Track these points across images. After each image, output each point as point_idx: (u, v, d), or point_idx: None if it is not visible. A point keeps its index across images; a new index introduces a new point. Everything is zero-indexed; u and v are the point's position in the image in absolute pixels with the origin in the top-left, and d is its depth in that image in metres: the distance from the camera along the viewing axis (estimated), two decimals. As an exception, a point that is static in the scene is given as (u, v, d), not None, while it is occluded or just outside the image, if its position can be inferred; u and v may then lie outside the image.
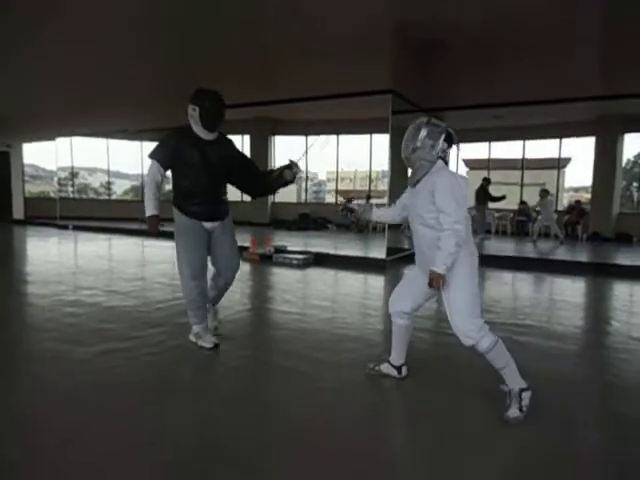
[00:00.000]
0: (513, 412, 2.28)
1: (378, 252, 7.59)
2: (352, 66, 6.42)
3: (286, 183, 3.33)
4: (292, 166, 3.29)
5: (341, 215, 2.93)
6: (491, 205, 11.56)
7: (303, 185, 15.72)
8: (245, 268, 6.88)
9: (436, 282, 2.28)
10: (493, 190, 11.16)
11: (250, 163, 3.45)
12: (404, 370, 2.83)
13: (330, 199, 15.94)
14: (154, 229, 3.14)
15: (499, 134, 13.13)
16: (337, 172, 14.95)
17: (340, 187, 15.68)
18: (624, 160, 12.67)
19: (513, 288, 6.37)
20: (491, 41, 5.48)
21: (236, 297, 4.83)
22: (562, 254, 8.99)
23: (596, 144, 11.99)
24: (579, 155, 12.99)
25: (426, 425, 2.33)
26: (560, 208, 13.19)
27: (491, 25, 4.98)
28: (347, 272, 6.79)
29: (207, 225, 3.23)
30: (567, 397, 2.66)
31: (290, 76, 7.01)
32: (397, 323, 2.76)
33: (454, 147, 2.52)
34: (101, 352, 3.17)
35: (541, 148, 13.44)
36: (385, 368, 2.85)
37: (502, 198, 11.00)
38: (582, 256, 9.02)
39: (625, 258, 8.43)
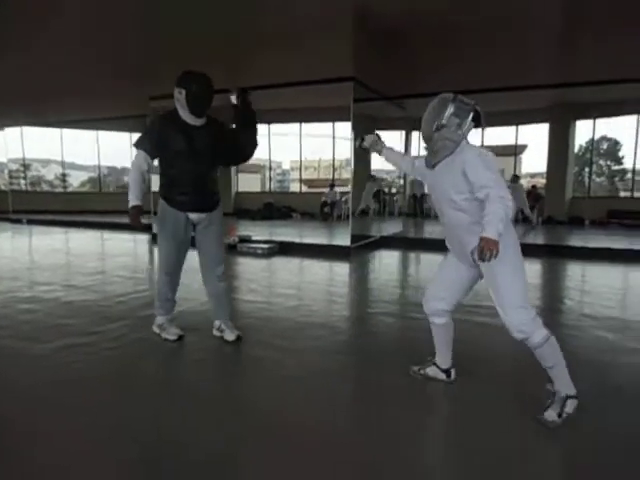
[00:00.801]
0: (551, 415, 2.11)
1: (343, 240, 7.65)
2: (313, 53, 6.38)
3: (245, 111, 3.10)
4: (239, 94, 3.08)
5: (356, 143, 2.79)
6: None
7: (267, 174, 15.60)
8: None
9: (489, 248, 1.92)
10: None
11: (236, 136, 3.16)
12: (453, 373, 2.59)
13: (294, 188, 15.88)
14: (136, 221, 2.93)
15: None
16: (301, 161, 14.91)
17: (304, 176, 15.65)
18: (576, 146, 13.19)
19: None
20: (451, 29, 5.56)
21: (199, 287, 4.76)
22: (520, 238, 9.29)
23: (550, 131, 12.43)
24: (535, 142, 13.43)
25: (394, 411, 2.38)
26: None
27: (451, 13, 5.05)
28: (312, 260, 6.82)
29: (193, 216, 3.08)
30: (521, 374, 2.77)
31: (250, 64, 6.91)
32: (436, 323, 2.52)
33: (479, 129, 2.30)
34: (60, 348, 3.08)
35: (499, 135, 13.82)
36: (431, 371, 2.63)
37: None
38: (538, 239, 9.37)
39: (577, 240, 8.81)
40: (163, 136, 2.93)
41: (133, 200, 2.92)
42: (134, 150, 3.00)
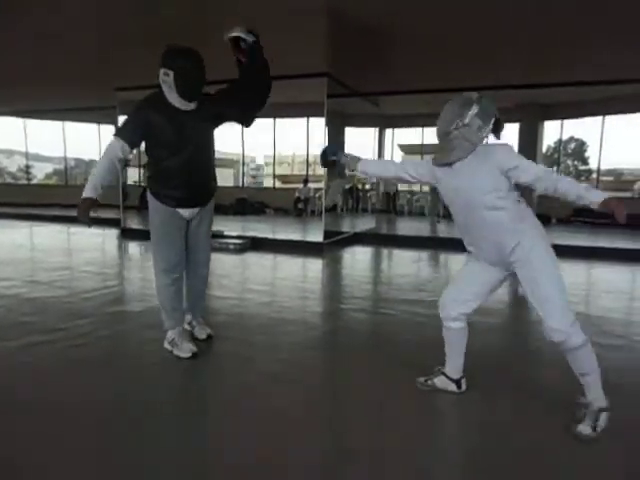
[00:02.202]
0: (585, 429, 2.00)
1: (315, 235, 7.64)
2: (287, 48, 6.32)
3: (252, 47, 2.79)
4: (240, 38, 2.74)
5: (330, 168, 2.46)
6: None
7: (241, 169, 15.45)
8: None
9: (621, 206, 1.80)
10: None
11: (231, 88, 2.82)
12: (464, 384, 2.43)
13: (268, 183, 15.79)
14: (83, 215, 2.51)
15: (432, 120, 13.51)
16: (274, 156, 14.82)
17: (278, 171, 15.57)
18: (545, 146, 13.54)
19: (445, 268, 6.66)
20: (424, 28, 5.61)
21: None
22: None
23: (520, 131, 12.72)
24: (505, 141, 13.67)
25: (372, 406, 2.40)
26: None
27: (424, 13, 5.09)
28: (285, 256, 6.79)
29: (185, 213, 2.78)
30: (494, 367, 2.83)
31: (220, 57, 6.77)
32: (452, 328, 2.36)
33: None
34: (23, 346, 2.97)
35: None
36: (440, 382, 2.45)
37: None
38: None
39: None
40: (150, 125, 2.57)
41: (88, 191, 2.52)
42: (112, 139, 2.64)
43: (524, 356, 3.07)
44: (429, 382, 2.48)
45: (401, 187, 14.51)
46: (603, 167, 12.52)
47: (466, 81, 8.09)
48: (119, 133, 2.61)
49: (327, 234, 7.50)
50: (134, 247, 7.69)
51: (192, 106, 2.66)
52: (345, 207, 11.97)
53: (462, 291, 2.33)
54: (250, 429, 2.09)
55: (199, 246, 2.95)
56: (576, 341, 1.99)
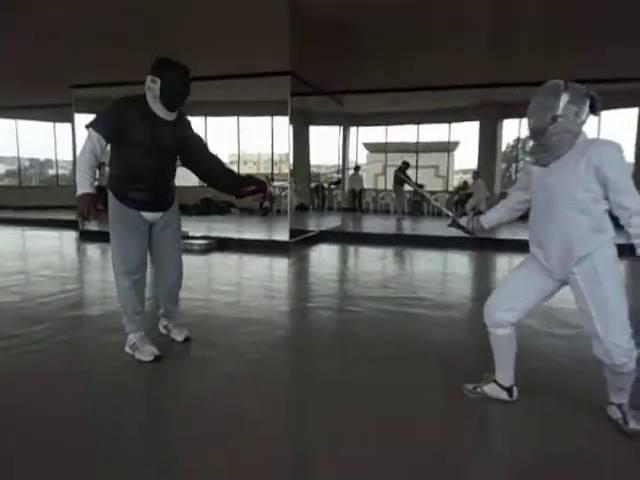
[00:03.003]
0: (636, 424, 2.02)
1: (281, 234, 7.62)
2: (250, 46, 6.27)
3: (241, 196, 2.99)
4: (264, 196, 3.01)
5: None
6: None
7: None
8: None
9: None
10: (390, 173, 11.69)
11: (204, 152, 2.96)
12: (515, 391, 2.28)
13: (233, 183, 15.59)
14: (88, 210, 2.43)
15: (395, 118, 13.74)
16: (239, 155, 14.66)
17: (243, 170, 15.41)
18: (504, 144, 13.94)
19: (409, 264, 6.76)
20: (388, 26, 5.66)
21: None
22: (456, 231, 9.70)
23: (480, 129, 13.06)
24: (467, 139, 14.00)
25: (338, 404, 2.40)
26: (450, 189, 14.23)
27: (391, 11, 5.13)
28: (251, 256, 6.73)
29: (147, 216, 2.77)
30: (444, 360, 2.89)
31: (180, 54, 6.62)
32: (498, 334, 2.21)
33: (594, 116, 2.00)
34: (-28, 355, 2.83)
35: (432, 132, 14.33)
36: (491, 390, 2.31)
37: (420, 185, 11.49)
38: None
39: (504, 233, 9.30)
40: (125, 121, 2.57)
41: (84, 186, 2.46)
42: (86, 131, 2.58)
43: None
44: (478, 389, 2.35)
45: (367, 185, 14.65)
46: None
47: (431, 80, 8.28)
48: (94, 125, 2.57)
49: (293, 233, 7.48)
50: (93, 249, 7.45)
51: (171, 117, 2.73)
52: (311, 206, 11.98)
53: (507, 298, 2.19)
54: (215, 431, 2.06)
55: (165, 249, 2.92)
56: (632, 365, 1.95)
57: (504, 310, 2.17)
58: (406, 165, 11.35)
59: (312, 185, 12.59)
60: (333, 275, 5.77)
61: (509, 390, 2.28)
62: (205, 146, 2.99)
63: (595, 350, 1.99)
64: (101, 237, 7.85)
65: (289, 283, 5.38)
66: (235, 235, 8.20)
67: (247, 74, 7.39)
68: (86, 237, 8.26)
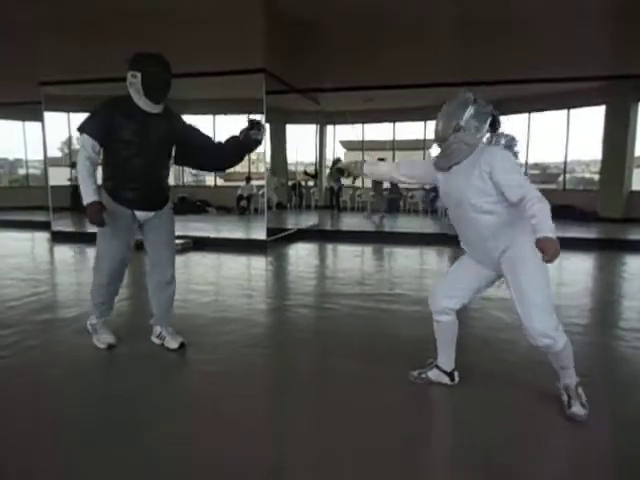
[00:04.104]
0: (579, 410, 2.08)
1: (258, 233, 7.59)
2: (224, 43, 6.21)
3: (255, 143, 2.97)
4: (254, 125, 2.93)
5: (332, 180, 2.72)
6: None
7: (180, 167, 15.02)
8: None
9: (552, 249, 1.74)
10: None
11: (201, 136, 2.98)
12: (456, 376, 2.45)
13: (209, 181, 15.46)
14: (97, 218, 2.56)
15: (372, 116, 13.81)
16: (215, 154, 14.51)
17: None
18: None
19: (386, 261, 6.82)
20: (364, 25, 5.69)
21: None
22: (430, 228, 9.84)
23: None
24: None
25: (314, 400, 2.41)
26: (427, 186, 14.39)
27: (363, 9, 5.16)
28: (228, 255, 6.69)
29: (140, 215, 2.78)
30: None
31: (152, 51, 6.52)
32: (442, 321, 2.37)
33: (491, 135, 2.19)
34: (-62, 361, 2.75)
35: (409, 130, 14.48)
36: (434, 375, 2.47)
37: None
38: (444, 228, 9.95)
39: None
40: (114, 122, 2.60)
41: (90, 195, 2.56)
42: (78, 135, 2.63)
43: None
44: (423, 375, 2.48)
45: (344, 182, 14.70)
46: (531, 161, 13.28)
47: (403, 79, 8.36)
48: (85, 128, 2.61)
49: (270, 231, 7.46)
50: (66, 251, 7.29)
51: (158, 109, 2.72)
52: (289, 204, 11.97)
53: (450, 286, 2.35)
54: (193, 430, 2.06)
55: (159, 249, 2.90)
56: (561, 344, 2.05)
57: (447, 298, 2.33)
58: (338, 160, 11.50)
59: (290, 183, 12.59)
60: (310, 273, 5.78)
61: (450, 374, 2.44)
62: (199, 131, 2.99)
63: (525, 335, 2.11)
64: (75, 238, 7.72)
65: (267, 281, 5.37)
66: (212, 234, 8.14)
67: (221, 72, 7.32)
68: (58, 238, 8.06)
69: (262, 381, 2.68)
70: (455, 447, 2.02)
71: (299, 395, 2.42)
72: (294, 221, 10.65)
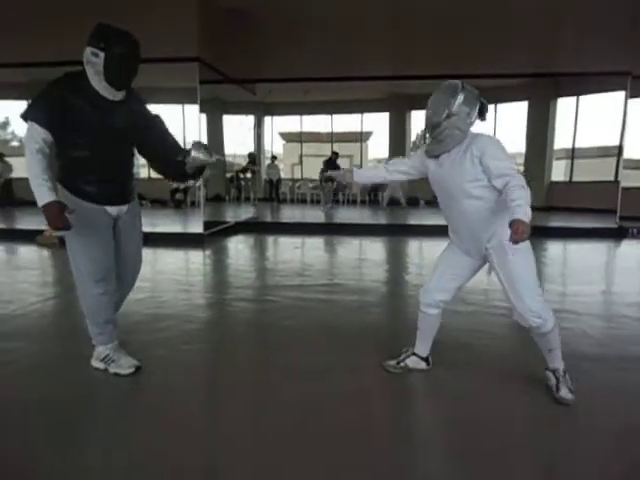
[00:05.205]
0: (567, 394, 2.14)
1: (195, 227, 7.41)
2: (157, 30, 5.94)
3: (193, 176, 2.60)
4: (198, 147, 2.45)
5: (321, 187, 2.51)
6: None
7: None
8: (40, 254, 6.05)
9: (523, 230, 1.82)
10: (307, 163, 11.81)
11: (161, 131, 2.57)
12: (430, 360, 2.54)
13: (143, 174, 14.85)
14: (58, 221, 2.13)
15: (309, 108, 13.84)
16: (149, 145, 13.95)
17: (153, 161, 14.69)
18: (413, 134, 14.59)
19: (326, 252, 6.89)
20: (302, 16, 5.68)
21: (25, 287, 4.24)
22: (368, 219, 10.05)
23: (389, 120, 13.57)
24: (380, 129, 14.47)
25: (250, 394, 2.40)
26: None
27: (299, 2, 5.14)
28: (163, 249, 6.46)
29: (112, 210, 2.42)
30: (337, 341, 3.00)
31: (75, 35, 6.12)
32: (430, 314, 2.42)
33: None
34: None
35: (345, 122, 14.65)
36: (412, 362, 2.53)
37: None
38: (382, 219, 10.20)
39: (414, 219, 9.81)
40: (66, 105, 2.18)
41: (45, 195, 2.12)
42: (23, 123, 2.18)
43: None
44: (401, 364, 2.53)
45: (283, 175, 14.64)
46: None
47: (341, 71, 8.42)
48: (31, 115, 2.18)
49: (208, 225, 7.31)
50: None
51: (119, 96, 2.33)
52: (227, 196, 11.75)
53: (442, 279, 2.37)
54: (130, 427, 1.99)
55: (129, 248, 2.60)
56: (550, 324, 2.12)
57: (440, 291, 2.37)
58: (336, 155, 11.59)
59: (227, 175, 12.34)
60: (249, 266, 5.73)
61: (426, 360, 2.53)
62: (164, 127, 2.59)
63: (514, 317, 2.19)
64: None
65: (204, 276, 5.26)
66: (146, 228, 7.82)
67: (154, 59, 7.01)
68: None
69: (199, 377, 2.63)
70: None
71: (239, 391, 2.40)
72: (232, 214, 10.48)
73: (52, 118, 2.17)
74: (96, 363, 2.54)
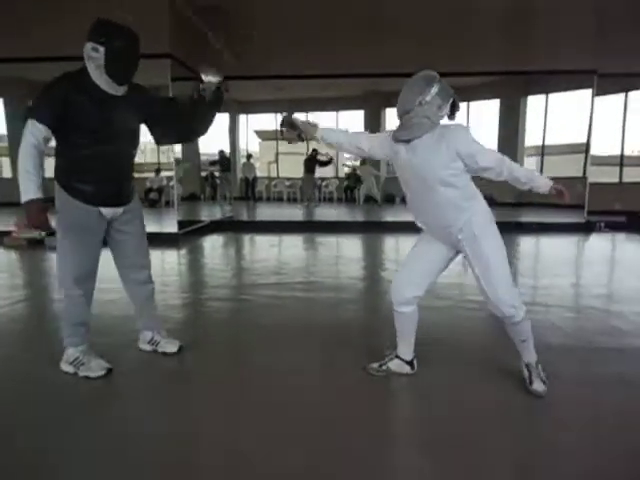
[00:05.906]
0: (539, 386, 2.17)
1: (170, 226, 7.30)
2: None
3: (216, 103, 2.64)
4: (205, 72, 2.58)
5: (283, 131, 2.36)
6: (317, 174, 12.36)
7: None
8: (9, 256, 5.87)
9: (562, 192, 2.08)
10: (283, 161, 11.81)
11: (165, 104, 2.67)
12: (415, 363, 2.44)
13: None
14: (38, 220, 2.15)
15: (285, 106, 13.78)
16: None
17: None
18: (388, 131, 14.74)
19: (302, 250, 6.89)
20: (277, 13, 5.65)
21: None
22: (345, 216, 10.08)
23: (364, 117, 13.65)
24: (355, 126, 14.54)
25: (228, 392, 2.38)
26: (341, 175, 14.68)
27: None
28: (137, 250, 6.37)
29: (106, 212, 2.38)
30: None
31: (41, 31, 5.99)
32: (404, 312, 2.33)
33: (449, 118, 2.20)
34: None
35: (322, 120, 14.64)
36: (395, 365, 2.43)
37: (329, 162, 12.16)
38: (359, 216, 10.26)
39: (390, 216, 9.89)
40: (68, 103, 2.18)
41: (30, 191, 2.12)
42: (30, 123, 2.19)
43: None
44: (384, 367, 2.45)
45: (259, 173, 14.56)
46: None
47: (316, 68, 8.41)
48: (34, 112, 2.17)
49: (182, 224, 7.22)
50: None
51: (121, 91, 2.34)
52: (202, 195, 11.62)
53: (412, 274, 2.31)
54: (101, 431, 1.95)
55: (130, 248, 2.57)
56: (522, 314, 2.14)
57: (413, 286, 2.30)
58: (316, 152, 11.78)
59: (202, 174, 12.20)
60: (225, 265, 5.69)
61: (411, 363, 2.43)
62: (163, 99, 2.71)
63: (489, 307, 2.20)
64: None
65: (179, 276, 5.19)
66: (119, 229, 7.70)
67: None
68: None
69: (173, 378, 2.59)
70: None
71: (214, 391, 2.38)
72: (208, 213, 10.38)
73: (54, 116, 2.18)
74: (65, 367, 2.48)
